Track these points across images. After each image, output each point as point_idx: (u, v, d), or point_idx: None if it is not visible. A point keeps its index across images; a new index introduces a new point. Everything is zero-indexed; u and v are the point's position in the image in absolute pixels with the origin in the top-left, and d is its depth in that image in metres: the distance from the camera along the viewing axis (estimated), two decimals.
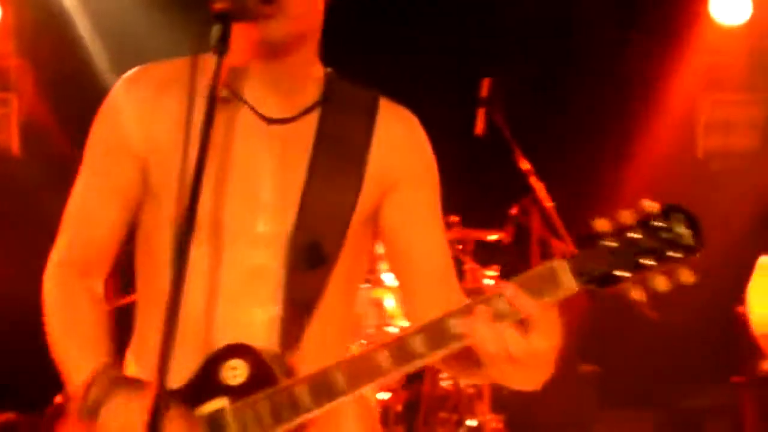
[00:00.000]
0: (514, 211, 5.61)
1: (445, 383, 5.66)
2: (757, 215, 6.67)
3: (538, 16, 6.64)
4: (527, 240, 5.63)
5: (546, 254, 5.92)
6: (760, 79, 6.95)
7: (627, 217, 1.78)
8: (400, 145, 2.20)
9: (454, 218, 5.58)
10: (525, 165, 5.64)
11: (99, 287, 2.21)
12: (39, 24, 7.01)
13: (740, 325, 5.72)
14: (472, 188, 5.87)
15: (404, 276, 2.24)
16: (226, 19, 1.91)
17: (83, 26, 6.92)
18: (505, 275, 5.24)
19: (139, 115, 2.15)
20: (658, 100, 6.76)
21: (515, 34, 6.64)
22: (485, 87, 5.82)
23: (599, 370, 6.58)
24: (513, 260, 5.61)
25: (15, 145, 7.27)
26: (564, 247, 5.83)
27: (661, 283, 1.77)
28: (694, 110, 6.99)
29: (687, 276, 1.77)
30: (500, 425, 5.74)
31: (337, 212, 2.11)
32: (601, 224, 1.79)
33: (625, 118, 6.59)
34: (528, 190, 5.44)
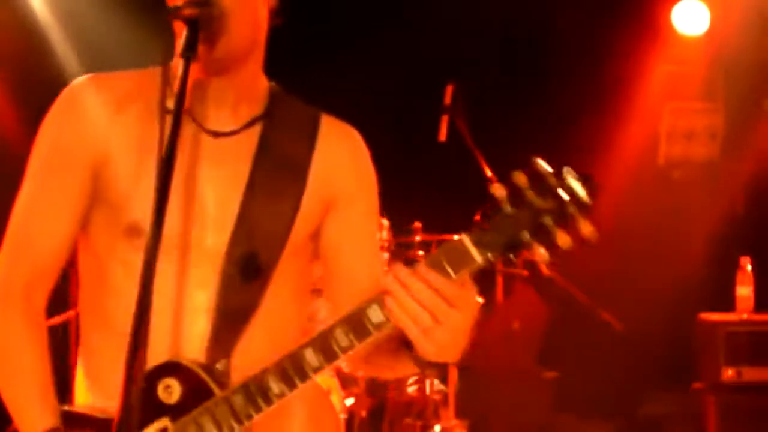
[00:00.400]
0: (477, 217, 5.63)
1: (411, 389, 5.67)
2: (717, 223, 6.74)
3: (502, 23, 6.67)
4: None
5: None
6: (718, 89, 7.03)
7: (521, 179, 1.76)
8: (340, 163, 2.22)
9: (417, 224, 5.60)
10: (488, 171, 5.67)
11: (41, 304, 2.15)
12: (4, 24, 6.95)
13: (700, 331, 5.78)
14: (436, 194, 5.88)
15: (332, 289, 2.26)
16: (194, 25, 1.93)
17: (50, 27, 6.87)
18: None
19: (95, 121, 2.13)
20: (620, 108, 6.82)
21: (478, 40, 6.66)
22: (448, 94, 5.84)
23: (560, 377, 6.61)
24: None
25: None
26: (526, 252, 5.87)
27: (562, 239, 1.76)
28: (656, 119, 7.05)
29: (587, 228, 1.74)
30: (464, 431, 5.75)
31: (274, 226, 2.13)
32: (497, 190, 1.78)
33: (588, 125, 6.63)
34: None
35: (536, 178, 1.76)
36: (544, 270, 5.83)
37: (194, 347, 2.05)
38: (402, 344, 1.92)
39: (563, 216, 1.75)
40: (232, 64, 2.10)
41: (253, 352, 2.04)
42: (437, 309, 1.80)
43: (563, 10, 6.68)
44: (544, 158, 1.77)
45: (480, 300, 1.87)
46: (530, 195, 1.76)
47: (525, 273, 5.98)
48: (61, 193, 2.13)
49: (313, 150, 2.20)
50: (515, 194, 1.77)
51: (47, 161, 2.15)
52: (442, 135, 5.77)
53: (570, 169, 1.76)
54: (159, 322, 2.00)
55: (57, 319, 4.92)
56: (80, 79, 2.19)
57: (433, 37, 6.60)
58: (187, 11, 1.94)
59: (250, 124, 2.17)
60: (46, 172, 2.15)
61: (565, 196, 1.75)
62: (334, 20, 6.68)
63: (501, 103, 6.61)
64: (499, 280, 6.11)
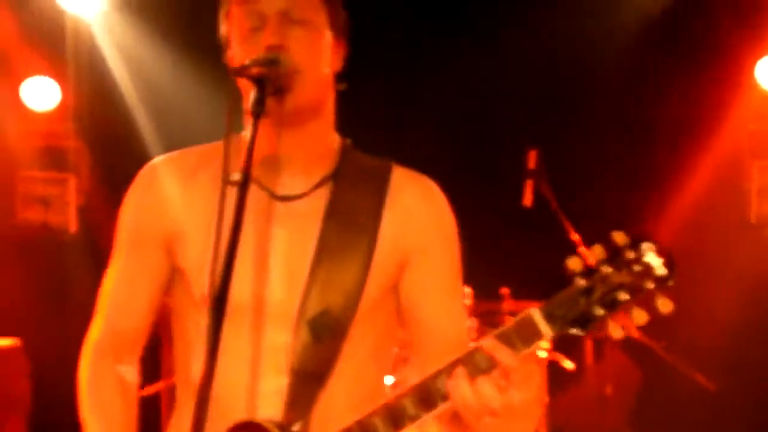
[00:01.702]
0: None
1: None
2: None
3: (586, 87, 6.66)
4: None
5: None
6: None
7: (598, 252, 1.74)
8: (412, 215, 2.21)
9: (505, 290, 5.58)
10: (574, 236, 5.65)
11: (131, 373, 2.29)
12: (96, 107, 7.17)
13: None
14: (522, 260, 5.86)
15: (415, 346, 2.25)
16: (262, 84, 1.99)
17: (137, 110, 7.07)
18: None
19: (164, 199, 2.24)
20: (705, 166, 6.73)
21: (562, 105, 6.67)
22: (532, 158, 5.84)
23: None
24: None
25: (72, 224, 7.39)
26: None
27: (639, 316, 1.74)
28: (743, 176, 6.94)
29: (665, 305, 1.72)
30: None
31: (346, 284, 2.12)
32: (573, 263, 1.76)
33: (673, 186, 6.57)
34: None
35: (613, 251, 1.74)
36: (634, 332, 5.76)
37: (271, 408, 2.08)
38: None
39: (639, 291, 1.72)
40: (300, 119, 2.15)
41: (332, 412, 2.05)
42: (495, 402, 1.79)
43: (646, 74, 6.66)
44: (628, 221, 1.76)
45: (571, 365, 1.86)
46: (605, 269, 1.74)
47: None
48: (140, 267, 2.26)
49: (383, 204, 2.19)
50: (590, 268, 1.75)
51: (127, 238, 2.29)
52: (527, 200, 5.77)
53: (650, 243, 1.73)
54: (236, 383, 2.09)
55: (150, 389, 5.06)
56: (154, 160, 2.31)
57: (516, 101, 6.63)
58: (255, 70, 2.00)
59: (319, 184, 2.20)
60: (126, 247, 2.29)
61: (642, 271, 1.72)
62: (418, 86, 6.74)
63: (585, 166, 6.59)
64: (589, 343, 6.05)
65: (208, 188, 2.18)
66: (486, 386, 1.80)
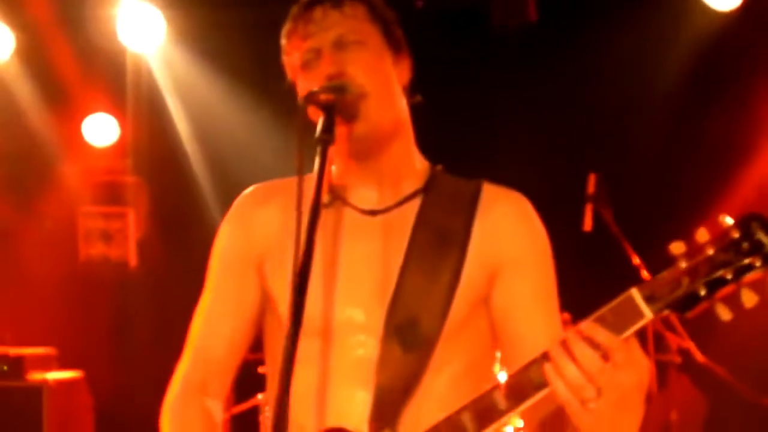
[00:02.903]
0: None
1: None
2: None
3: (644, 112, 6.63)
4: (643, 335, 5.54)
5: (661, 345, 5.81)
6: None
7: (702, 235, 1.68)
8: (502, 229, 2.18)
9: (566, 316, 5.54)
10: (635, 260, 5.59)
11: (217, 408, 2.28)
12: (153, 142, 7.26)
13: None
14: (583, 285, 5.81)
15: (507, 363, 2.20)
16: (330, 111, 2.00)
17: (193, 145, 7.15)
18: None
19: (253, 226, 2.27)
20: (758, 187, 6.65)
21: (622, 130, 6.63)
22: (591, 182, 5.81)
23: None
24: None
25: (132, 257, 7.48)
26: (679, 339, 5.73)
27: (747, 297, 1.65)
28: None
29: None
30: None
31: (435, 296, 2.11)
32: (676, 247, 1.70)
33: (730, 208, 6.49)
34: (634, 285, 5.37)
35: (718, 232, 1.67)
36: (699, 357, 5.67)
37: (357, 420, 2.07)
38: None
39: (747, 269, 1.63)
40: (375, 144, 2.16)
41: (419, 424, 2.00)
42: (600, 373, 1.71)
43: (702, 99, 6.60)
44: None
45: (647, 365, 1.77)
46: (710, 249, 1.67)
47: (678, 360, 5.82)
48: (231, 294, 2.27)
49: (473, 218, 2.18)
50: (694, 249, 1.68)
51: (219, 266, 2.30)
52: (587, 225, 5.73)
53: (758, 221, 1.64)
54: (329, 396, 2.10)
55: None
56: (247, 190, 2.35)
57: (576, 125, 6.60)
58: (323, 97, 2.02)
59: (408, 198, 2.20)
60: (218, 275, 2.30)
61: (749, 249, 1.64)
62: (479, 111, 6.75)
63: (645, 190, 6.54)
64: (653, 370, 5.96)
65: (293, 215, 2.19)
66: (588, 354, 1.71)
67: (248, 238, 2.27)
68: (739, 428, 6.30)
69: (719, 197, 6.51)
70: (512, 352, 2.16)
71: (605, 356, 1.72)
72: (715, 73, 6.57)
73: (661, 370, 6.01)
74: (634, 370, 1.74)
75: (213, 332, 2.27)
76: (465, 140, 6.55)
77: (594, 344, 1.72)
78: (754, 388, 5.99)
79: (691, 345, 5.67)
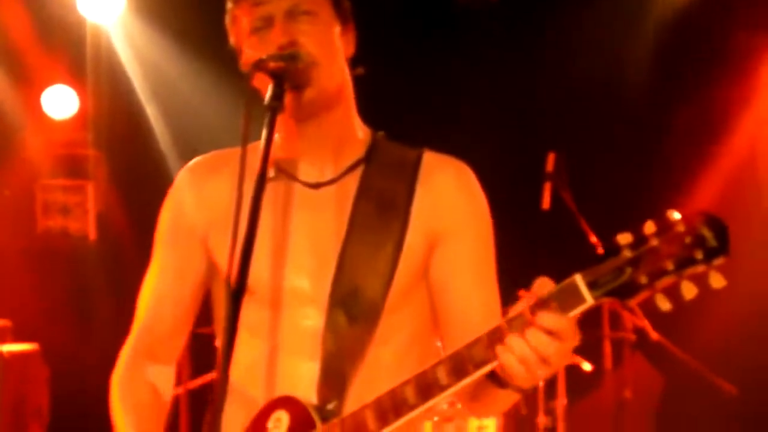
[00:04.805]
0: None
1: None
2: None
3: (604, 91, 6.66)
4: (598, 312, 5.60)
5: (616, 324, 5.87)
6: None
7: (649, 227, 1.72)
8: (443, 197, 2.20)
9: (522, 293, 5.56)
10: (593, 238, 5.64)
11: (166, 374, 2.32)
12: (113, 115, 7.21)
13: None
14: (540, 263, 5.84)
15: (443, 332, 2.24)
16: (280, 78, 2.02)
17: (155, 117, 7.11)
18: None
19: (197, 198, 2.29)
20: (720, 169, 6.70)
21: (580, 104, 6.66)
22: (550, 161, 5.84)
23: None
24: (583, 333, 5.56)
25: (91, 231, 7.44)
26: (634, 318, 5.80)
27: (687, 289, 1.69)
28: (759, 179, 6.90)
29: (717, 280, 1.68)
30: None
31: (377, 267, 2.14)
32: (623, 237, 1.74)
33: (690, 188, 6.56)
34: (597, 263, 5.42)
35: (664, 225, 1.71)
36: (653, 335, 5.74)
37: (305, 390, 2.10)
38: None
39: (688, 262, 1.68)
40: (319, 111, 2.18)
41: (366, 394, 2.03)
42: (550, 353, 1.81)
43: (663, 78, 6.65)
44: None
45: (589, 367, 1.86)
46: (654, 241, 1.71)
47: (632, 337, 5.88)
48: (177, 265, 2.30)
49: (415, 186, 2.20)
50: (639, 240, 1.73)
51: (165, 238, 2.33)
52: (545, 203, 5.77)
53: (703, 216, 1.69)
54: (277, 367, 2.13)
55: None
56: (189, 163, 2.36)
57: (535, 104, 6.63)
58: (273, 65, 2.03)
59: (349, 169, 2.23)
60: (164, 247, 2.33)
61: (692, 243, 1.68)
62: (436, 87, 6.76)
63: (603, 169, 6.58)
64: (607, 348, 6.03)
65: (235, 187, 2.20)
66: (543, 340, 1.80)
67: (192, 210, 2.28)
68: (693, 406, 6.37)
69: (680, 180, 6.57)
70: (450, 321, 2.20)
71: (554, 335, 1.81)
72: (681, 55, 6.62)
73: (616, 347, 6.08)
74: (574, 337, 1.84)
75: (158, 303, 2.30)
76: (424, 116, 6.55)
77: (545, 329, 1.81)
78: (709, 368, 6.07)
79: (645, 323, 5.73)
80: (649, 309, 1.73)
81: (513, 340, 1.82)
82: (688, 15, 6.52)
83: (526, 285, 2.25)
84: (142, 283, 2.34)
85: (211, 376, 5.54)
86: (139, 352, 2.29)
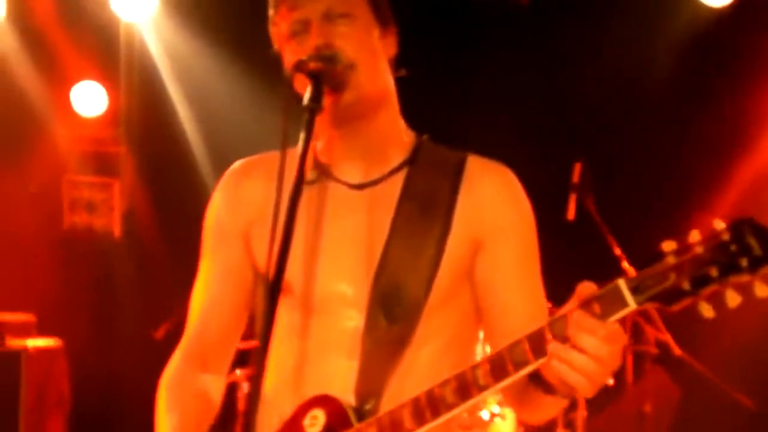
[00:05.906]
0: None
1: None
2: None
3: (632, 102, 6.64)
4: (623, 325, 5.57)
5: (638, 337, 5.85)
6: None
7: (694, 236, 1.71)
8: (487, 201, 2.20)
9: (547, 304, 5.55)
10: (617, 250, 5.62)
11: (217, 384, 2.32)
12: (142, 112, 7.25)
13: None
14: (564, 274, 5.83)
15: (488, 334, 2.24)
16: (319, 79, 2.02)
17: (185, 116, 7.14)
18: None
19: (238, 200, 2.30)
20: (749, 181, 6.67)
21: (608, 119, 6.64)
22: (576, 171, 5.83)
23: None
24: None
25: (117, 228, 7.47)
26: (656, 332, 5.77)
27: (731, 297, 1.68)
28: None
29: (762, 289, 1.66)
30: None
31: (419, 268, 2.13)
32: (668, 245, 1.74)
33: (717, 201, 6.52)
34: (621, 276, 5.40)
35: (710, 234, 1.70)
36: (676, 350, 5.71)
37: (343, 389, 2.10)
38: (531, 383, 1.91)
39: (734, 270, 1.67)
40: (361, 114, 2.18)
41: (403, 395, 2.01)
42: (603, 357, 1.80)
43: (692, 90, 6.62)
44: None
45: (610, 381, 1.85)
46: (699, 248, 1.70)
47: (655, 351, 5.85)
48: (224, 267, 2.31)
49: (458, 190, 2.19)
50: (684, 247, 1.72)
51: (211, 241, 2.34)
52: (570, 213, 5.75)
53: (750, 225, 1.68)
54: (308, 367, 2.14)
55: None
56: (235, 164, 2.37)
57: (562, 114, 6.61)
58: (312, 65, 2.04)
59: (394, 171, 2.23)
60: (211, 250, 2.34)
61: (737, 251, 1.67)
62: (464, 95, 6.76)
63: (630, 180, 6.55)
64: (629, 361, 6.00)
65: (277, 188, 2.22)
66: (592, 342, 1.79)
67: (235, 211, 2.29)
68: (712, 423, 6.34)
69: (705, 191, 6.53)
70: (495, 323, 2.20)
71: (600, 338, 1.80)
72: (705, 67, 6.59)
73: (638, 361, 6.06)
74: (620, 339, 1.83)
75: (206, 310, 2.31)
76: (450, 125, 6.55)
77: (591, 332, 1.80)
78: (729, 383, 6.04)
79: (668, 338, 5.71)
80: (672, 323, 1.72)
81: (560, 347, 1.81)
82: (714, 24, 6.49)
83: (549, 296, 2.26)
84: (193, 287, 2.34)
85: (231, 377, 5.55)
86: (191, 359, 2.30)
